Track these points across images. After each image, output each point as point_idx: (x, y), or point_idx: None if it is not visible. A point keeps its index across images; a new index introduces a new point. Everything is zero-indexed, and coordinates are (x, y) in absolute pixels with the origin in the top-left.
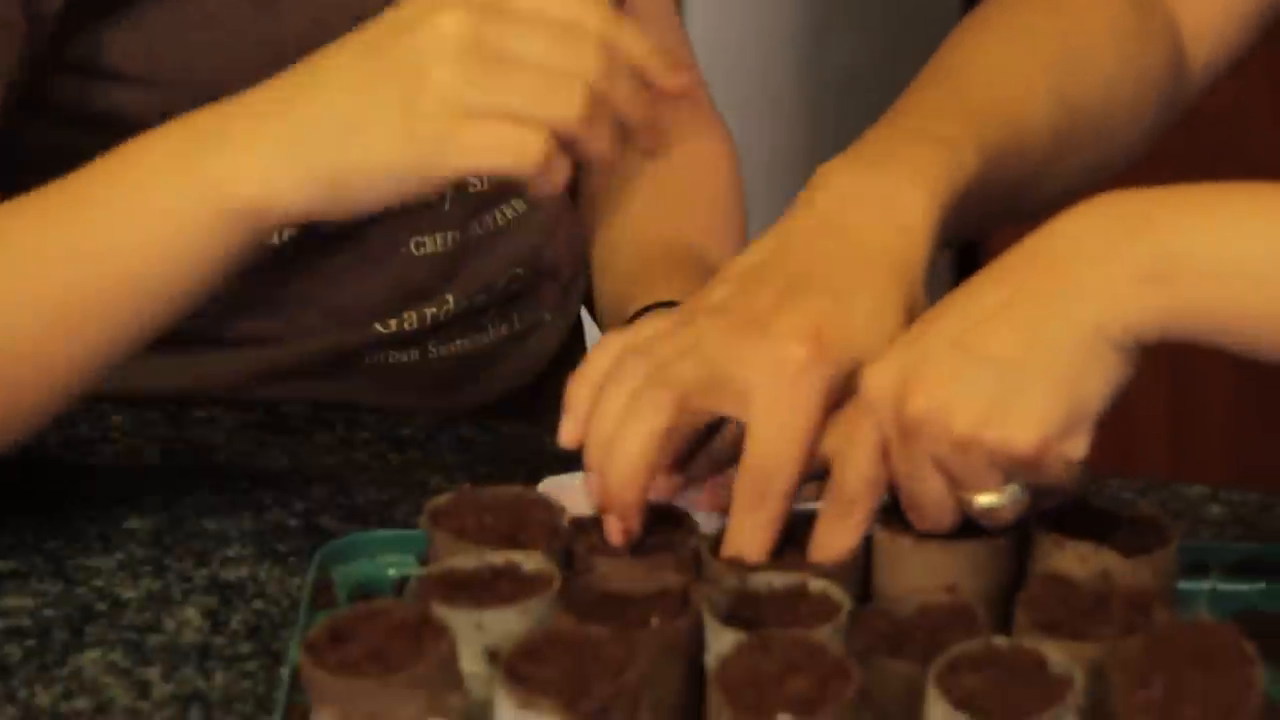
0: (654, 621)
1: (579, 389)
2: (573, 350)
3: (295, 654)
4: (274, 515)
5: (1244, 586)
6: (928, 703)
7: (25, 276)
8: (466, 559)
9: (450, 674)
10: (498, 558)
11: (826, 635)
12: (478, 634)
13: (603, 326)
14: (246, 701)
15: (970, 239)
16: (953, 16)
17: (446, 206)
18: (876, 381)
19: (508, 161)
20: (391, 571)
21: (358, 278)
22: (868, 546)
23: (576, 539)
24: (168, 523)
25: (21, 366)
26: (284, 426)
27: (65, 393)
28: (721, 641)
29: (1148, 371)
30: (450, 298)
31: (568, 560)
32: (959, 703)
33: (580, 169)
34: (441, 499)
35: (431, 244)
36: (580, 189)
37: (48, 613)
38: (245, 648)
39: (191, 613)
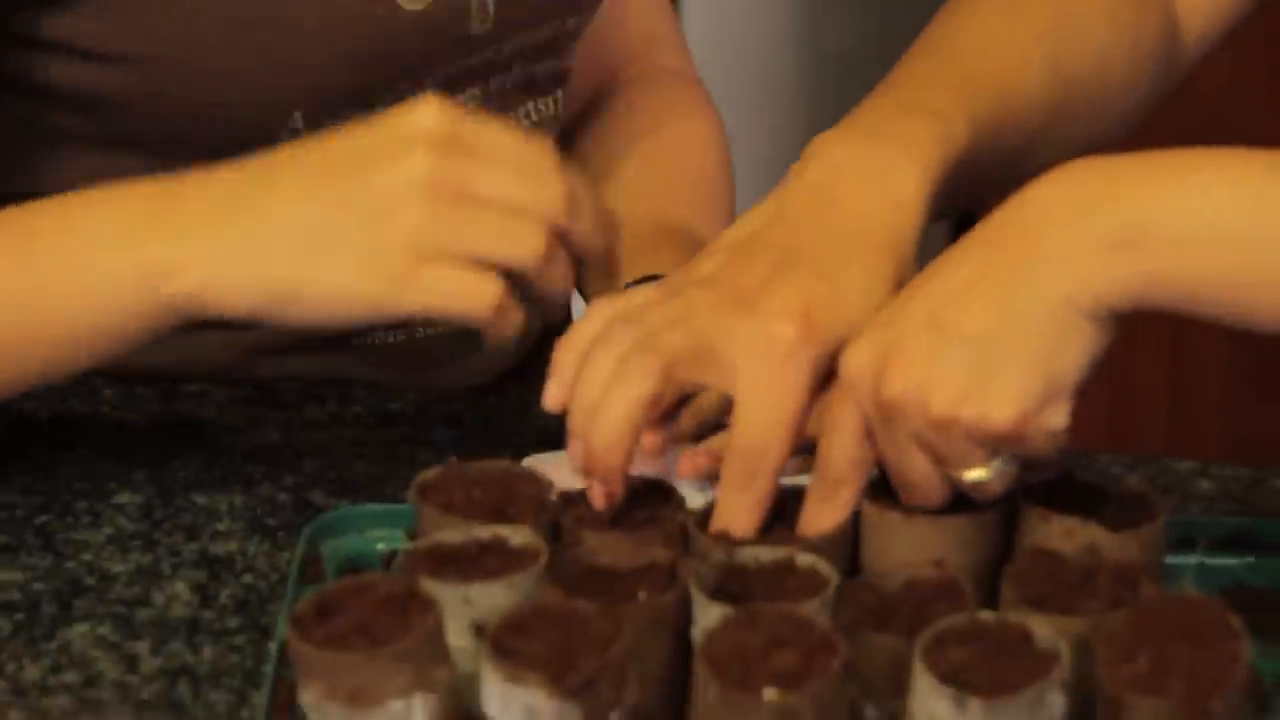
0: (641, 596)
1: (565, 354)
2: (561, 328)
3: (283, 628)
4: (264, 490)
5: (1232, 561)
6: (914, 676)
7: None
8: (454, 533)
9: (437, 648)
10: (485, 532)
11: (813, 609)
12: (465, 608)
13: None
14: (235, 676)
15: (964, 209)
16: None
17: None
18: (854, 362)
19: (462, 307)
20: (380, 546)
21: None
22: (856, 521)
23: (564, 513)
24: (157, 497)
25: None
26: (274, 401)
27: None
28: (708, 615)
29: (1146, 347)
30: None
31: (555, 534)
32: (945, 677)
33: (564, 145)
34: (430, 473)
35: None
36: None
37: (37, 586)
38: (234, 622)
39: (180, 587)
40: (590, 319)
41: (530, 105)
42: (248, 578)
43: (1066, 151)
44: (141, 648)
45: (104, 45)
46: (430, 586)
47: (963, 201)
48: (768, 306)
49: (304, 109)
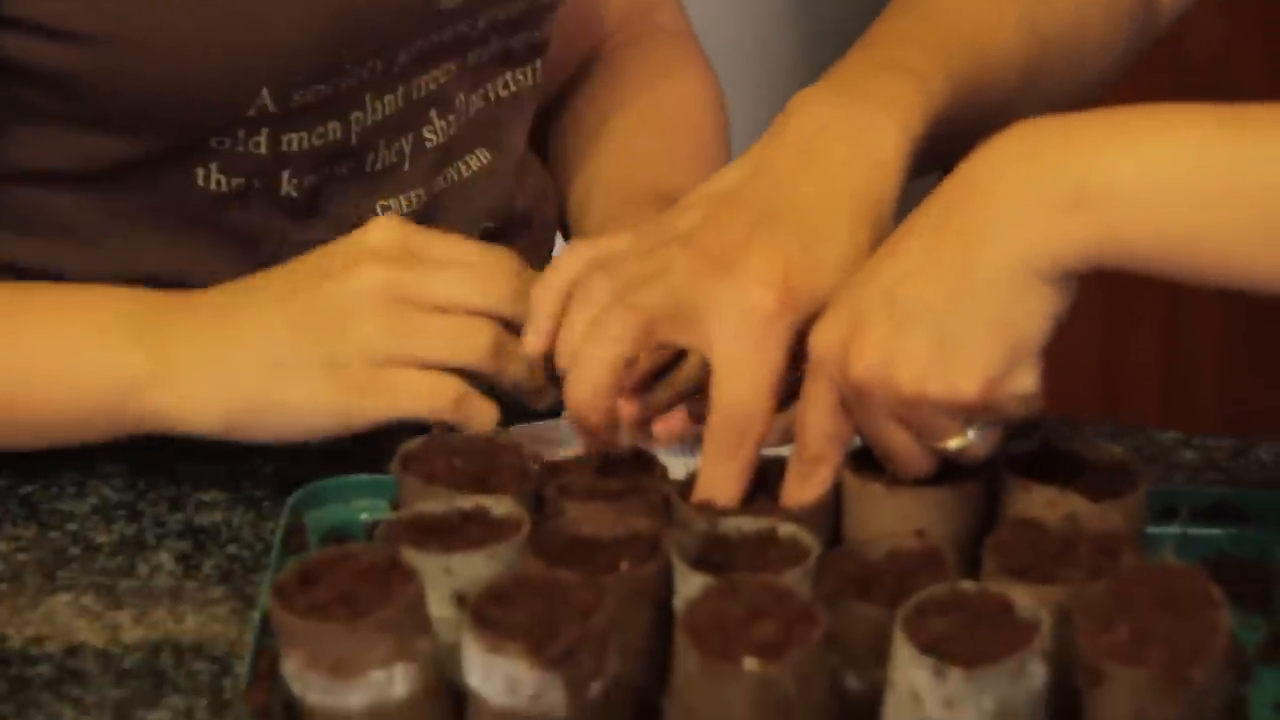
0: (623, 566)
1: (543, 295)
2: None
3: (266, 598)
4: (248, 461)
5: (1215, 531)
6: (894, 646)
7: None
8: (435, 503)
9: (418, 618)
10: (467, 502)
11: (794, 579)
12: (446, 578)
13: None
14: (218, 645)
15: (942, 167)
16: None
17: (406, 167)
18: (821, 342)
19: (424, 407)
20: (364, 516)
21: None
22: (838, 492)
23: (546, 484)
24: (142, 467)
25: None
26: None
27: None
28: (689, 585)
29: (1138, 321)
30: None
31: (538, 505)
32: (925, 646)
33: (546, 117)
34: (413, 444)
35: (397, 206)
36: (550, 136)
37: (21, 556)
38: (217, 592)
39: (165, 557)
40: (569, 260)
41: (508, 76)
42: (232, 548)
43: (1043, 110)
44: (125, 617)
45: (70, 23)
46: (412, 556)
47: (939, 160)
48: (746, 271)
49: (272, 86)
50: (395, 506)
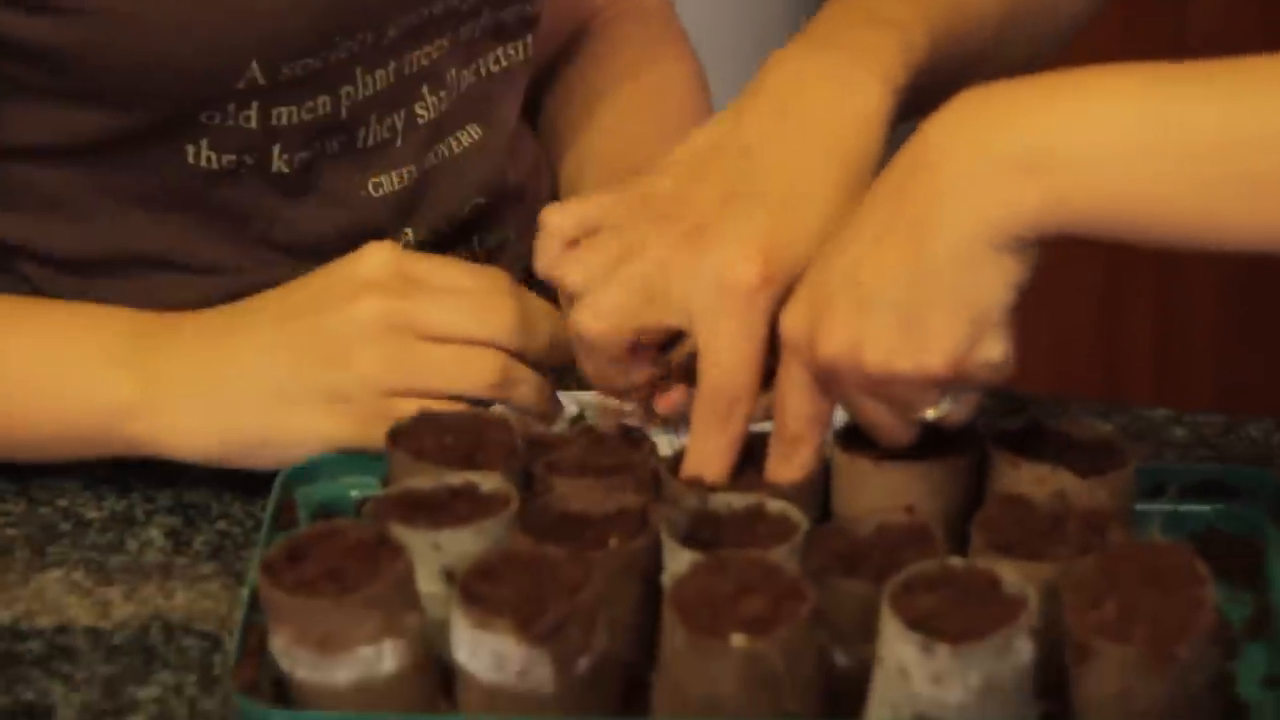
0: (612, 542)
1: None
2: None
3: (255, 574)
4: None
5: (1204, 507)
6: (882, 622)
7: None
8: (424, 479)
9: (407, 594)
10: (456, 478)
11: (782, 555)
12: (435, 554)
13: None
14: (208, 621)
15: (919, 117)
16: None
17: (399, 143)
18: (790, 324)
19: None
20: (354, 493)
21: (315, 223)
22: (827, 468)
23: (535, 460)
24: None
25: None
26: None
27: None
28: (678, 561)
29: (1131, 299)
30: (410, 232)
31: (527, 481)
32: (913, 623)
33: (537, 88)
34: (402, 420)
35: (389, 183)
36: (541, 110)
37: (10, 532)
38: (207, 568)
39: (155, 533)
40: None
41: (500, 51)
42: (222, 524)
43: (1019, 55)
44: (114, 593)
45: None
46: (400, 532)
47: (918, 110)
48: (723, 248)
49: (260, 59)
50: (385, 483)
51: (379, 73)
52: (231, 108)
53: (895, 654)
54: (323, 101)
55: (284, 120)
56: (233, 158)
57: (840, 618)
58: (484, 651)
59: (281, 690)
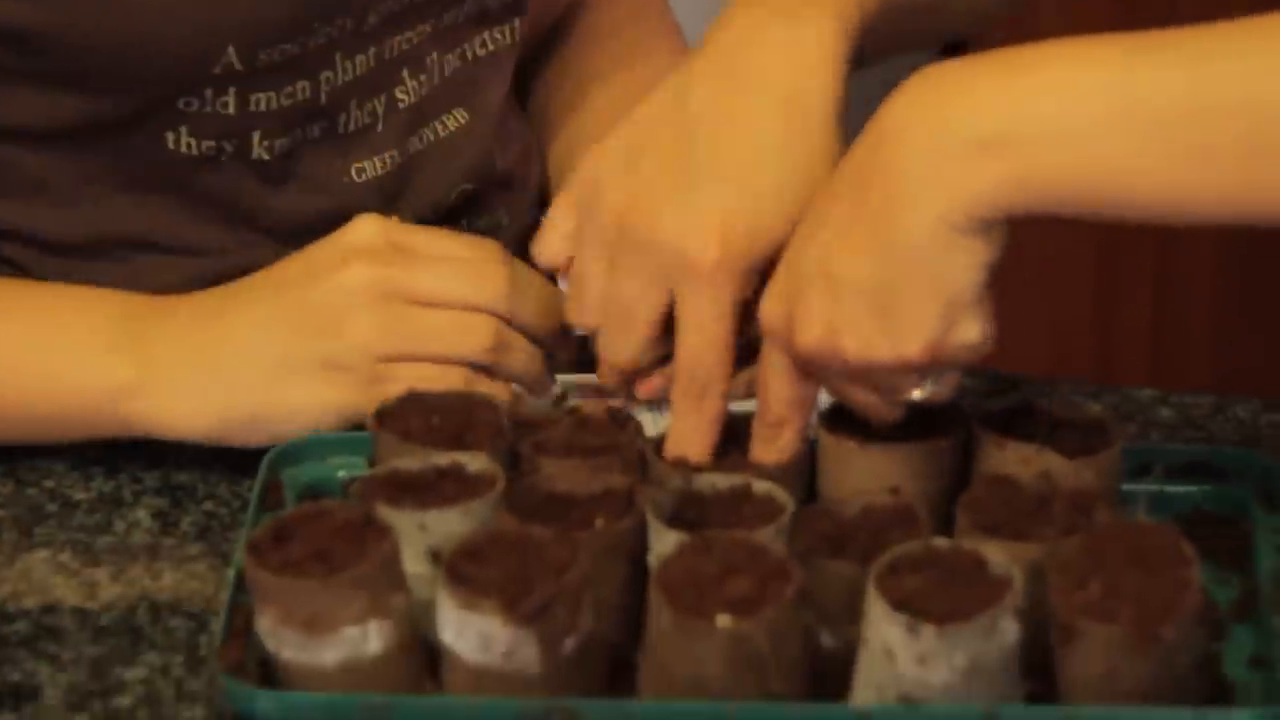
0: (599, 523)
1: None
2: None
3: (241, 555)
4: None
5: (1192, 488)
6: (868, 603)
7: None
8: (411, 460)
9: (393, 575)
10: (443, 459)
11: (768, 536)
12: (421, 535)
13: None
14: (195, 602)
15: (878, 62)
16: None
17: (380, 128)
18: (768, 313)
19: None
20: (341, 473)
21: (299, 209)
22: (814, 449)
23: (522, 440)
24: None
25: None
26: None
27: None
28: (664, 542)
29: (1128, 282)
30: (396, 219)
31: (513, 461)
32: (898, 603)
33: (528, 67)
34: (388, 401)
35: (371, 169)
36: (531, 92)
37: None
38: (194, 549)
39: (142, 514)
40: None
41: (485, 35)
42: (209, 505)
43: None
44: (101, 574)
45: None
46: (386, 513)
47: (877, 55)
48: (682, 236)
49: (237, 44)
50: (372, 463)
51: (359, 58)
52: (209, 93)
53: (881, 635)
54: (301, 87)
55: (262, 106)
56: (213, 144)
57: (826, 599)
58: (470, 632)
59: (268, 671)
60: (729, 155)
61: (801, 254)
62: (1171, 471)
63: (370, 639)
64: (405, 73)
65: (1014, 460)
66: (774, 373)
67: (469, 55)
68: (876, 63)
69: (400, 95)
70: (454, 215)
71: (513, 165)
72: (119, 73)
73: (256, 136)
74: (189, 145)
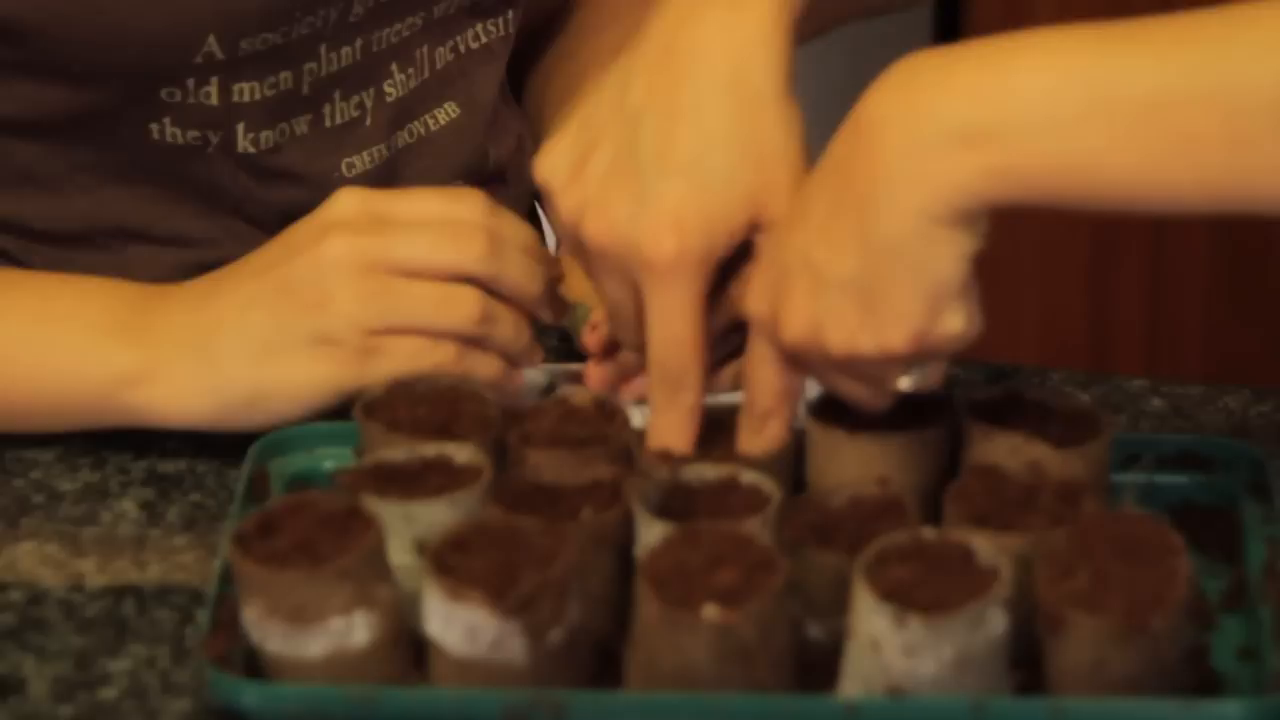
0: (585, 514)
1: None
2: None
3: (227, 546)
4: None
5: (1181, 478)
6: (855, 594)
7: None
8: (397, 451)
9: (378, 566)
10: (429, 449)
11: (755, 527)
12: (407, 526)
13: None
14: (181, 594)
15: (829, 30)
16: None
17: (367, 122)
18: (754, 307)
19: (427, 364)
20: (328, 464)
21: (288, 202)
22: (801, 439)
23: (509, 431)
24: None
25: None
26: None
27: None
28: (651, 533)
29: (1123, 271)
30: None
31: (500, 452)
32: (885, 594)
33: (520, 64)
34: (375, 391)
35: (361, 163)
36: (526, 86)
37: None
38: (181, 540)
39: (128, 505)
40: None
41: (478, 28)
42: (195, 496)
43: None
44: (88, 565)
45: None
46: (372, 504)
47: (826, 26)
48: (637, 235)
49: (218, 32)
50: (359, 454)
51: (344, 50)
52: (191, 83)
53: (868, 626)
54: (284, 77)
55: (245, 97)
56: (197, 134)
57: (813, 590)
58: (456, 623)
59: (254, 663)
60: (676, 147)
61: (785, 246)
62: (1161, 462)
63: (356, 630)
64: (394, 65)
65: (1003, 450)
66: (760, 363)
67: (461, 48)
68: (809, 40)
69: (389, 89)
70: None
71: (506, 159)
72: (100, 61)
73: (241, 128)
74: (173, 135)
